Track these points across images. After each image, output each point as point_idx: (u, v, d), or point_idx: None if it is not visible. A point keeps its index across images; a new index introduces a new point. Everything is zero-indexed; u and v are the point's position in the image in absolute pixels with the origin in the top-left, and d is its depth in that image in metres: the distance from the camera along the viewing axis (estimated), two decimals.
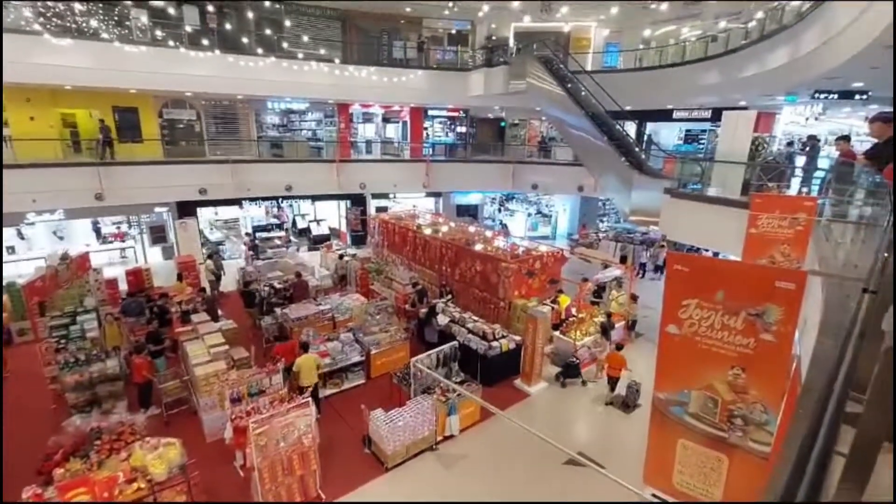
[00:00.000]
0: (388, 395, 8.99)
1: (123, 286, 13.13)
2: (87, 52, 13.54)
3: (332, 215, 21.37)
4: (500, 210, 23.70)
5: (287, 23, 18.23)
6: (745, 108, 14.97)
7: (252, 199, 18.49)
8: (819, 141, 11.75)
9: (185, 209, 16.64)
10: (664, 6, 16.43)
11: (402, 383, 8.81)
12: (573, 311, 11.82)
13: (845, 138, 8.42)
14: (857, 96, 11.70)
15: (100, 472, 5.47)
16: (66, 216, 15.82)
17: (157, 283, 13.48)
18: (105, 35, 14.28)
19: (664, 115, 19.48)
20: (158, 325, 10.12)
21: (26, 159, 13.55)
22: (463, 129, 22.93)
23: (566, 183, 19.19)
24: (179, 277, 13.17)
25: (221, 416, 7.64)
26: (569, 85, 15.16)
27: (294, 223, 21.20)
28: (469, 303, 12.67)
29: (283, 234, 20.06)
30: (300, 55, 17.10)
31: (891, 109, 8.88)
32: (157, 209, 17.18)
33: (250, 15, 17.26)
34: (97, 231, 18.22)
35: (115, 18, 14.88)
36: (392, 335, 10.52)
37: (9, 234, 15.69)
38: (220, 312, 11.36)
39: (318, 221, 21.33)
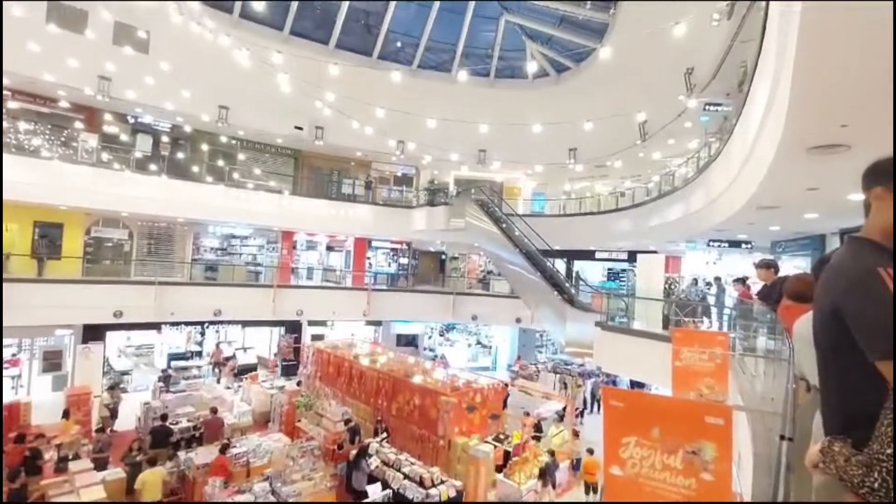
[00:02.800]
0: None
1: None
2: (21, 167, 13.09)
3: (262, 343, 20.02)
4: (431, 337, 23.46)
5: (241, 156, 19.18)
6: (654, 252, 16.96)
7: (174, 324, 17.09)
8: (722, 280, 13.29)
9: (93, 333, 14.92)
10: (579, 167, 19.35)
11: None
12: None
13: (741, 280, 9.49)
14: (743, 245, 13.78)
15: None
16: None
17: (38, 421, 11.33)
18: (46, 153, 14.12)
19: (589, 255, 21.51)
20: (26, 473, 8.23)
21: None
22: (405, 261, 23.70)
23: (504, 314, 19.72)
24: (66, 414, 11.21)
25: None
26: (503, 225, 16.63)
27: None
28: (406, 442, 11.65)
29: (203, 363, 18.22)
30: (250, 185, 17.69)
31: (771, 257, 10.41)
32: (59, 332, 15.26)
33: (205, 147, 18.07)
34: None
35: (62, 139, 14.93)
36: (316, 483, 9.19)
37: None
38: (109, 458, 9.55)
39: (244, 349, 19.79)
